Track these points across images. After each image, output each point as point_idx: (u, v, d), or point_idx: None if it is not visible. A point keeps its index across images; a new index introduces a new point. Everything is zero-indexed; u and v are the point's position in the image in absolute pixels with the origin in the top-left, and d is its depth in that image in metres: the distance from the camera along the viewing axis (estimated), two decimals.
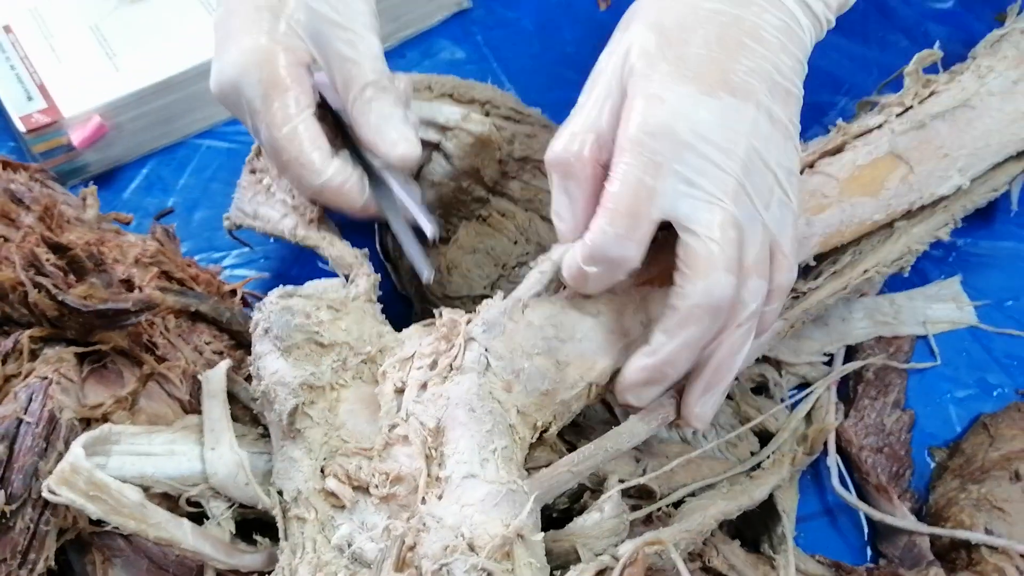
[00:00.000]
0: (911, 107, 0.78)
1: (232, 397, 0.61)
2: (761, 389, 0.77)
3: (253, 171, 0.75)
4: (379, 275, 0.65)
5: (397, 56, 0.93)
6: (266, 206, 0.72)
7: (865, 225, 0.74)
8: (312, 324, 0.59)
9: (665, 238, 0.60)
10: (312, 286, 0.62)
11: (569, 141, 0.58)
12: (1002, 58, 0.80)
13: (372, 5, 0.69)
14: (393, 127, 0.66)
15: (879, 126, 0.77)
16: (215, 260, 0.82)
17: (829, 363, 0.78)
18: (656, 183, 0.55)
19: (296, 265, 0.82)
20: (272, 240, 0.83)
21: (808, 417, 0.75)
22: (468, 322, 0.59)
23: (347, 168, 0.65)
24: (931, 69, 0.80)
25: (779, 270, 0.60)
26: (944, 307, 0.82)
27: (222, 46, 0.66)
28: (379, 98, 0.66)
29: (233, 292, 0.68)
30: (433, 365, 0.58)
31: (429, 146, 0.78)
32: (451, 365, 0.57)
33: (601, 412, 0.69)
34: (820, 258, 0.73)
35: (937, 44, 0.79)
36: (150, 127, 0.86)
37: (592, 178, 0.58)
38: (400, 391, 0.58)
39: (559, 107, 0.89)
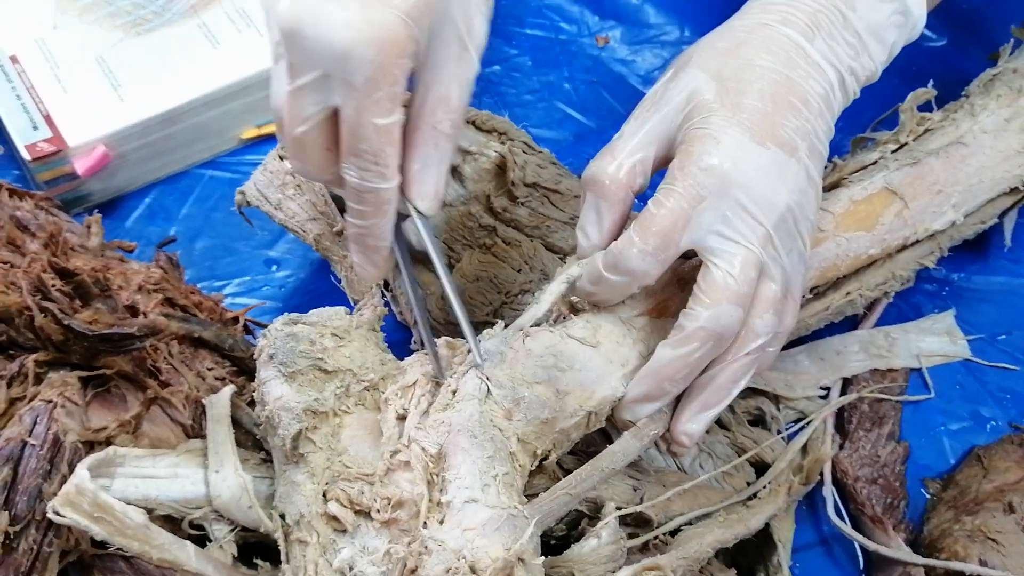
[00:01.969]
0: (906, 144, 0.79)
1: (235, 422, 0.62)
2: (758, 422, 0.77)
3: (283, 158, 0.73)
4: (386, 308, 0.66)
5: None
6: (294, 201, 0.72)
7: (861, 259, 0.75)
8: (316, 351, 0.59)
9: (674, 273, 0.62)
10: (317, 314, 0.62)
11: (609, 162, 0.62)
12: (995, 97, 0.82)
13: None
14: (432, 178, 0.61)
15: (874, 162, 0.78)
16: (217, 288, 0.83)
17: (826, 396, 0.79)
18: (694, 214, 0.59)
19: (296, 295, 0.83)
20: (263, 259, 0.85)
21: (804, 448, 0.76)
22: (469, 351, 0.60)
23: (396, 190, 0.60)
24: (925, 107, 0.82)
25: (787, 314, 0.64)
26: (938, 341, 0.83)
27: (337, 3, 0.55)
28: (441, 140, 0.60)
29: (235, 319, 0.68)
30: (435, 392, 0.59)
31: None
32: (453, 392, 0.58)
33: (600, 442, 0.70)
34: (815, 290, 0.74)
35: (931, 83, 0.80)
36: (153, 157, 0.87)
37: (623, 201, 0.62)
38: (402, 418, 0.59)
39: (558, 144, 0.92)
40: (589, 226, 0.63)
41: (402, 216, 0.62)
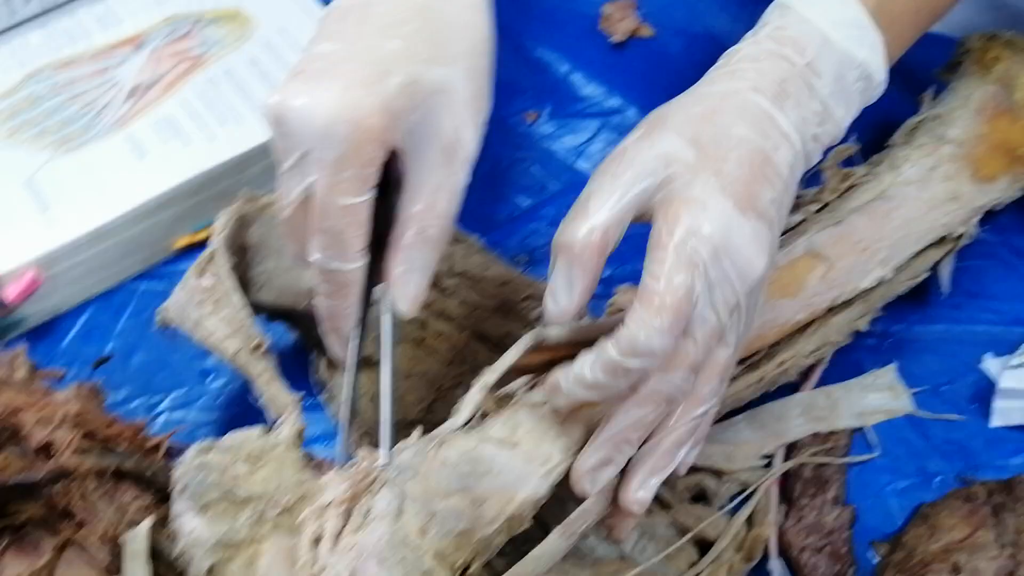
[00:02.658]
0: (829, 203, 0.79)
1: (158, 555, 0.61)
2: (700, 498, 0.77)
3: (201, 274, 0.73)
4: (305, 424, 0.65)
5: None
6: (211, 318, 0.71)
7: (787, 326, 0.75)
8: (228, 479, 0.59)
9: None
10: (231, 438, 0.62)
11: (581, 226, 0.61)
12: (917, 147, 0.82)
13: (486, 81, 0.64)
14: (415, 281, 0.63)
15: (798, 224, 0.78)
16: (153, 404, 0.83)
17: (768, 465, 0.79)
18: (693, 283, 0.59)
19: (233, 405, 0.83)
20: (198, 370, 0.85)
21: (750, 521, 0.76)
22: (384, 465, 0.60)
23: (358, 275, 0.63)
24: (850, 162, 0.82)
25: (727, 378, 0.64)
26: (880, 396, 0.82)
27: (328, 68, 0.59)
28: (426, 246, 0.63)
29: (157, 447, 0.68)
30: (348, 513, 0.58)
31: None
32: (366, 512, 0.58)
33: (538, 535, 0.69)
34: (741, 361, 0.74)
35: (853, 137, 0.80)
36: (86, 275, 0.87)
37: (597, 267, 0.61)
38: (317, 541, 0.58)
39: (490, 223, 0.92)
40: (560, 291, 0.62)
41: (372, 302, 0.63)
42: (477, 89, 0.64)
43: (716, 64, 0.68)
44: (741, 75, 0.66)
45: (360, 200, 0.59)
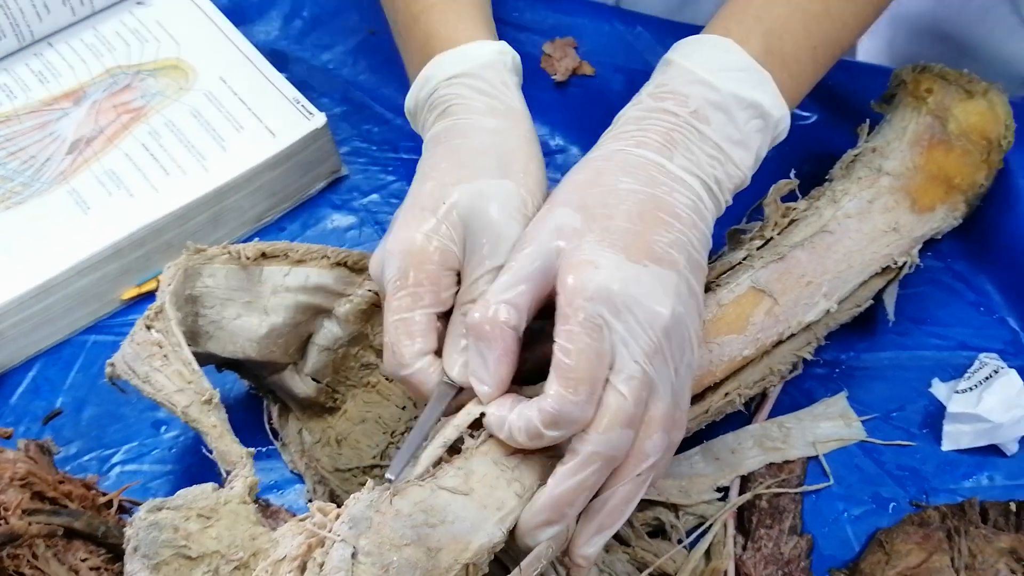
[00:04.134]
0: (772, 238, 0.80)
1: None
2: (658, 533, 0.77)
3: (149, 327, 0.73)
4: (258, 478, 0.65)
5: (276, 229, 0.94)
6: (160, 373, 0.71)
7: (735, 361, 0.75)
8: (179, 538, 0.59)
9: None
10: (182, 495, 0.62)
11: (486, 308, 0.63)
12: (856, 180, 0.83)
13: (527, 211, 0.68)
14: (460, 351, 0.66)
15: (741, 261, 0.79)
16: (105, 457, 0.82)
17: (724, 497, 0.79)
18: (601, 345, 0.60)
19: (187, 456, 0.82)
20: (150, 421, 0.84)
21: (708, 554, 0.76)
22: (338, 516, 0.60)
23: (427, 372, 0.66)
24: (790, 196, 0.83)
25: (676, 427, 0.65)
26: (832, 425, 0.83)
27: (389, 231, 0.69)
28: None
29: (109, 504, 0.67)
30: (303, 567, 0.58)
31: (322, 312, 0.78)
32: (320, 566, 0.58)
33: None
34: (692, 399, 0.74)
35: (792, 172, 0.81)
36: (33, 330, 0.86)
37: (505, 344, 0.63)
38: None
39: None
40: (478, 370, 0.64)
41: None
42: (513, 187, 0.68)
43: (605, 130, 0.71)
44: (625, 136, 0.68)
45: (409, 316, 0.66)
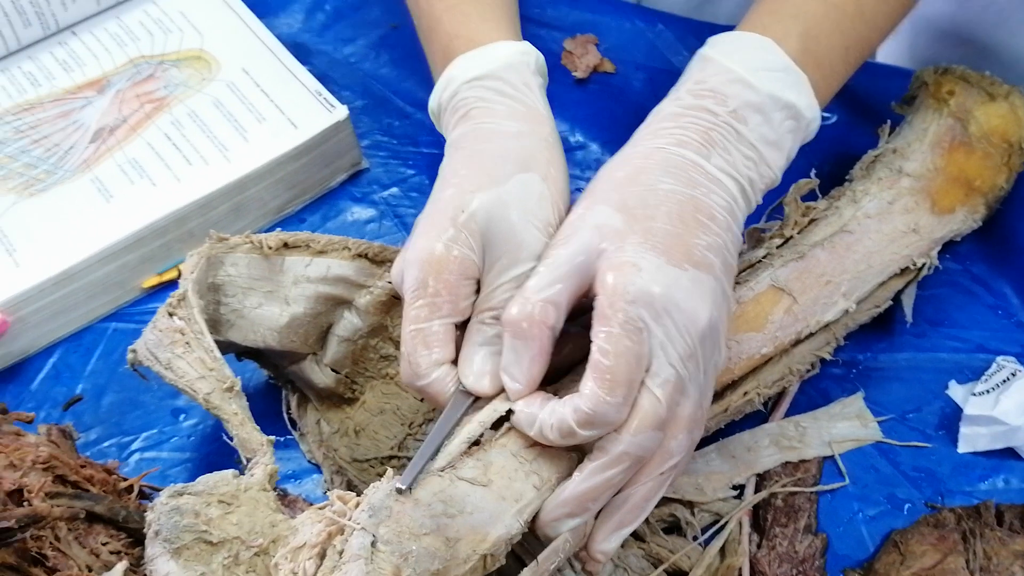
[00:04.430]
0: (791, 237, 0.80)
1: None
2: (673, 529, 0.77)
3: (172, 315, 0.73)
4: (278, 465, 0.66)
5: (297, 221, 0.95)
6: (182, 360, 0.71)
7: (754, 359, 0.76)
8: (200, 523, 0.59)
9: None
10: (203, 481, 0.62)
11: (523, 303, 0.63)
12: (876, 180, 0.83)
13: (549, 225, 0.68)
14: (479, 360, 0.66)
15: (761, 259, 0.79)
16: (125, 444, 0.83)
17: (740, 495, 0.79)
18: (641, 348, 0.60)
19: (205, 444, 0.83)
20: (170, 409, 0.84)
21: (723, 551, 0.76)
22: (357, 505, 0.60)
23: (444, 381, 0.66)
24: (810, 195, 0.83)
25: (697, 427, 0.65)
26: (849, 425, 0.83)
27: (410, 240, 0.69)
28: (483, 332, 0.67)
29: (130, 488, 0.68)
30: (322, 554, 0.58)
31: (342, 302, 0.79)
32: (339, 553, 0.58)
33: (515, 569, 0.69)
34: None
35: (813, 172, 0.82)
36: (55, 316, 0.87)
37: (539, 339, 0.63)
38: None
39: None
40: (514, 369, 0.64)
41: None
42: (537, 193, 0.68)
43: (642, 124, 0.71)
44: (664, 133, 0.68)
45: (426, 327, 0.65)
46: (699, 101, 0.69)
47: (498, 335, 0.66)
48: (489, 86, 0.73)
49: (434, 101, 0.76)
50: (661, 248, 0.63)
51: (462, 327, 0.67)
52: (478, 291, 0.67)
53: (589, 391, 0.60)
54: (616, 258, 0.62)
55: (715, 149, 0.67)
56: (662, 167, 0.66)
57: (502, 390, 0.65)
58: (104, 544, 0.64)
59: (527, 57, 0.75)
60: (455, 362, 0.66)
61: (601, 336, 0.61)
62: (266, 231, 0.78)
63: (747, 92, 0.69)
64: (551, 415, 0.62)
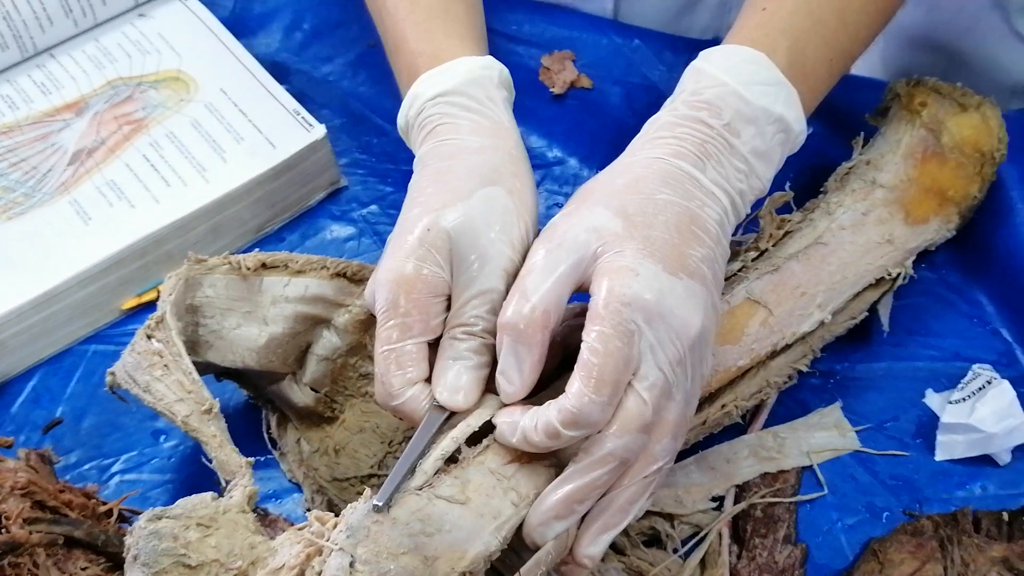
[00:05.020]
0: (766, 250, 0.81)
1: None
2: (653, 542, 0.78)
3: (150, 337, 0.73)
4: (257, 488, 0.66)
5: (276, 239, 0.95)
6: (161, 383, 0.71)
7: (731, 371, 0.76)
8: (179, 547, 0.59)
9: None
10: (182, 505, 0.62)
11: (523, 304, 0.63)
12: (850, 192, 0.84)
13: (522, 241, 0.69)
14: (452, 375, 0.66)
15: (736, 272, 0.79)
16: (105, 466, 0.83)
17: (719, 507, 0.80)
18: (631, 351, 0.61)
19: (185, 465, 0.83)
20: (150, 431, 0.84)
21: (703, 563, 0.77)
22: (335, 525, 0.60)
23: (419, 400, 0.66)
24: (787, 208, 0.83)
25: (681, 433, 0.66)
26: (827, 435, 0.83)
27: (382, 259, 0.69)
28: (455, 347, 0.67)
29: (109, 512, 0.68)
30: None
31: (321, 322, 0.79)
32: (318, 575, 0.58)
33: None
34: None
35: (788, 185, 0.82)
36: (34, 339, 0.87)
37: (541, 343, 0.64)
38: None
39: None
40: (510, 371, 0.64)
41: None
42: (502, 206, 0.68)
43: (639, 134, 0.71)
44: (662, 143, 0.69)
45: (398, 347, 0.66)
46: (695, 112, 0.70)
47: (470, 349, 0.66)
48: (453, 102, 0.73)
49: (402, 119, 0.77)
50: (659, 256, 0.63)
51: (434, 344, 0.67)
52: (448, 307, 0.67)
53: (576, 390, 0.61)
54: (616, 262, 0.63)
55: (710, 162, 0.68)
56: (661, 178, 0.67)
57: (476, 405, 0.66)
58: (83, 569, 0.64)
59: (490, 71, 0.75)
60: (429, 380, 0.67)
61: (592, 335, 0.61)
62: (245, 251, 0.78)
63: (741, 105, 0.70)
64: (533, 419, 0.62)
